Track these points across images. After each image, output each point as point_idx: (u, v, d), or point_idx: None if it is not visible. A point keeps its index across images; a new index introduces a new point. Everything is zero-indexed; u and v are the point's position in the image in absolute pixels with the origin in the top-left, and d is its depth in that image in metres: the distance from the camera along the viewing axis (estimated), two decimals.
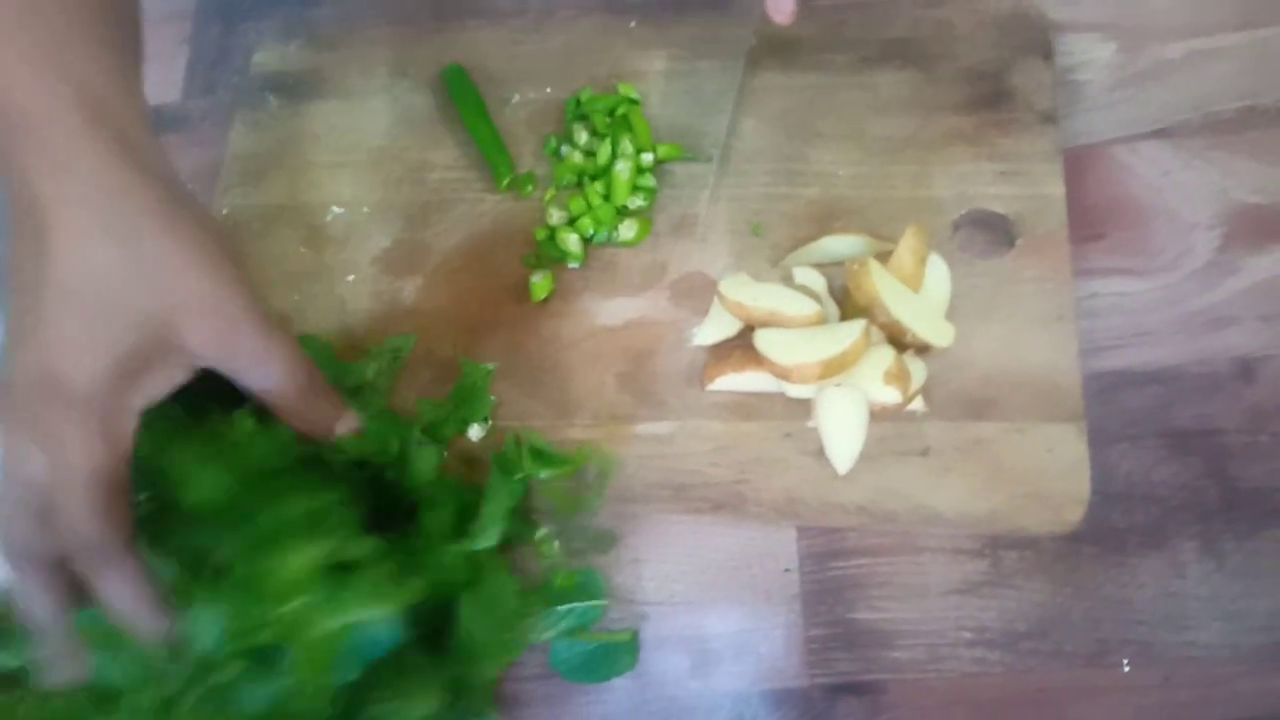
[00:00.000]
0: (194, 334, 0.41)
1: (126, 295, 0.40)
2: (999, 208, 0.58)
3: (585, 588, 0.53)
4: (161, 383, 0.42)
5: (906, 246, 0.54)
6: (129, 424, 0.41)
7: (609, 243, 0.61)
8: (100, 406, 0.39)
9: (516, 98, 0.67)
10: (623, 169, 0.61)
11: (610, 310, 0.59)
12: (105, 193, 0.40)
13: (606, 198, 0.61)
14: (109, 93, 0.42)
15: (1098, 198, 0.59)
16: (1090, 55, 0.64)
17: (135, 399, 0.41)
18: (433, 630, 0.48)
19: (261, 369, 0.44)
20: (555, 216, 0.62)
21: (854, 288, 0.53)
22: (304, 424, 0.47)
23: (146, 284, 0.40)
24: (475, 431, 0.56)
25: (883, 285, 0.52)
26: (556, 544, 0.54)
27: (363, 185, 0.66)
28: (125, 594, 0.41)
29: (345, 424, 0.48)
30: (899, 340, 0.53)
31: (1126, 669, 0.50)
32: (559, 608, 0.52)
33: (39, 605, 0.42)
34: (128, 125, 0.42)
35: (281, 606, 0.41)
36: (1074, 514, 0.51)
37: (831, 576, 0.53)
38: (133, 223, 0.40)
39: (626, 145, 0.62)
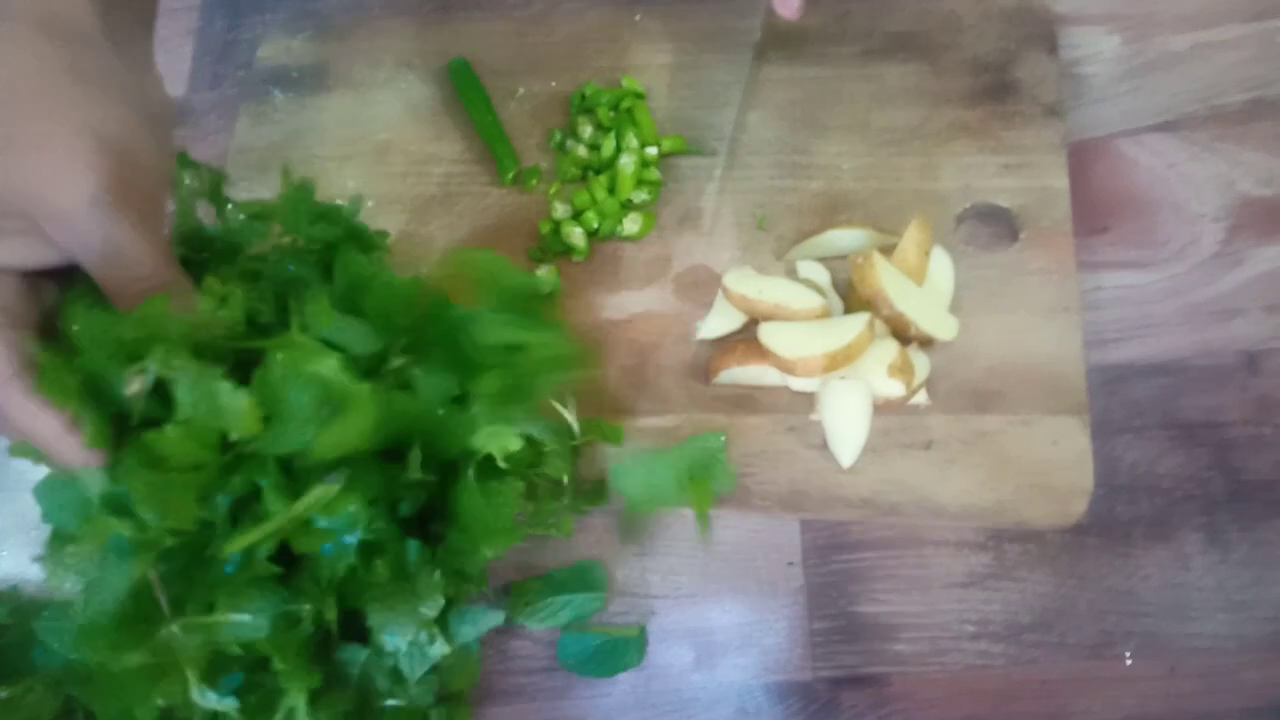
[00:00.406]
0: (51, 224, 0.39)
1: None
2: (1003, 200, 0.58)
3: (585, 579, 0.53)
4: (4, 252, 0.39)
5: (910, 239, 0.54)
6: None
7: (613, 236, 0.61)
8: None
9: (522, 91, 0.67)
10: (627, 163, 0.61)
11: (615, 304, 0.59)
12: (10, 57, 0.38)
13: (611, 191, 0.61)
14: None
15: (1103, 190, 0.59)
16: (1095, 47, 0.63)
17: None
18: (422, 526, 0.47)
19: (124, 273, 0.40)
20: (560, 210, 0.62)
21: (858, 281, 0.53)
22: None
23: (14, 159, 0.38)
24: None
25: (887, 278, 0.52)
26: (565, 479, 0.52)
27: (368, 178, 0.66)
28: (28, 429, 0.38)
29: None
30: (903, 333, 0.53)
31: (1129, 661, 0.50)
32: (557, 598, 0.53)
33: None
34: None
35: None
36: (1078, 506, 0.51)
37: (835, 569, 0.54)
38: (25, 89, 0.38)
39: (631, 139, 0.62)
